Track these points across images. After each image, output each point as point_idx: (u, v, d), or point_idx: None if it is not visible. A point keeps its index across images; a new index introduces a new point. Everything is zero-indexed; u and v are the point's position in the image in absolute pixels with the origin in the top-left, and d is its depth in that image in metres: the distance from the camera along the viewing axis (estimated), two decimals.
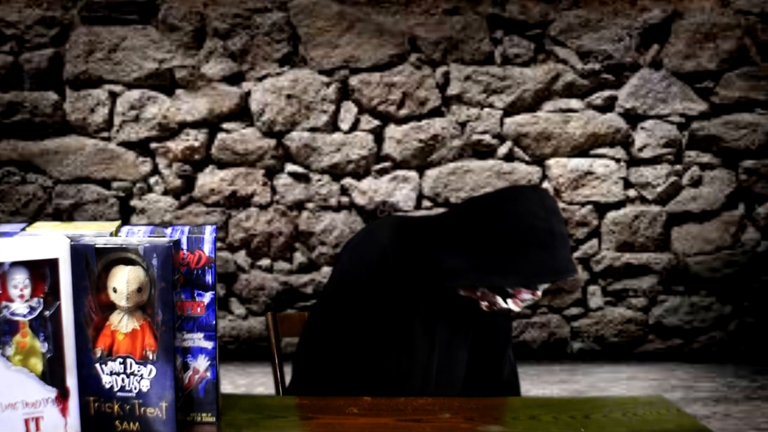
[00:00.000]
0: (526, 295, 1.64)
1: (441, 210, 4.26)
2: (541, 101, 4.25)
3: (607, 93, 4.26)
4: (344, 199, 4.27)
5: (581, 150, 4.28)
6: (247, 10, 4.15)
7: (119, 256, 1.39)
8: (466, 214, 1.69)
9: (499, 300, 1.65)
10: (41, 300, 1.36)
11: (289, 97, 4.20)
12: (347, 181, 4.26)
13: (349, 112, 4.20)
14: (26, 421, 1.36)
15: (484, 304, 1.69)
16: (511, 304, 1.65)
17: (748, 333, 4.38)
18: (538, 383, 3.92)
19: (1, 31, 4.14)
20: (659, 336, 4.40)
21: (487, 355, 1.89)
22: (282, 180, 4.26)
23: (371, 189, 4.26)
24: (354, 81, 4.21)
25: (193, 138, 4.22)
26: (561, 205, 4.30)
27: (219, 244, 4.28)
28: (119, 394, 1.42)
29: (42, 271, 1.36)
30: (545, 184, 4.29)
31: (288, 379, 1.93)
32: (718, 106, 4.28)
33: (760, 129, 4.28)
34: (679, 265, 4.35)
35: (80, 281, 1.39)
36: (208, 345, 1.51)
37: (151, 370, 1.41)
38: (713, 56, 4.23)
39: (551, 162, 4.28)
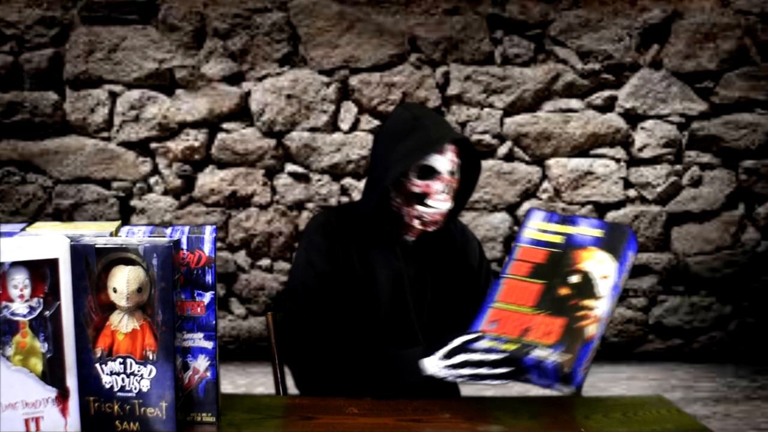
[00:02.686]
0: (435, 185, 1.80)
1: None
2: (541, 101, 4.26)
3: (607, 93, 4.26)
4: (344, 199, 4.27)
5: (581, 150, 4.28)
6: (247, 10, 4.15)
7: (119, 256, 1.39)
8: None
9: (419, 207, 1.80)
10: (41, 300, 1.36)
11: (289, 97, 4.20)
12: (347, 181, 4.26)
13: (349, 112, 4.21)
14: (26, 421, 1.36)
15: (416, 222, 1.82)
16: (432, 202, 1.80)
17: (748, 333, 4.39)
18: None
19: (1, 31, 4.14)
20: (659, 336, 4.41)
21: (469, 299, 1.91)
22: (282, 180, 4.26)
23: None
24: (354, 81, 4.21)
25: (193, 138, 4.22)
26: (561, 205, 4.30)
27: (219, 244, 4.28)
28: (119, 394, 1.42)
29: (42, 271, 1.36)
30: (545, 184, 4.29)
31: (288, 378, 1.93)
32: (718, 106, 4.28)
33: (760, 129, 4.28)
34: (679, 265, 4.35)
35: (80, 281, 1.39)
36: (208, 345, 1.51)
37: (151, 370, 1.41)
38: (713, 56, 4.23)
39: (551, 162, 4.28)
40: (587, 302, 1.59)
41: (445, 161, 1.81)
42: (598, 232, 1.66)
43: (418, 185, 1.80)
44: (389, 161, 1.80)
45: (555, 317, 1.58)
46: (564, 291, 1.61)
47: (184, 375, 1.50)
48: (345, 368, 1.74)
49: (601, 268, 1.62)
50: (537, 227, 1.70)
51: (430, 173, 1.80)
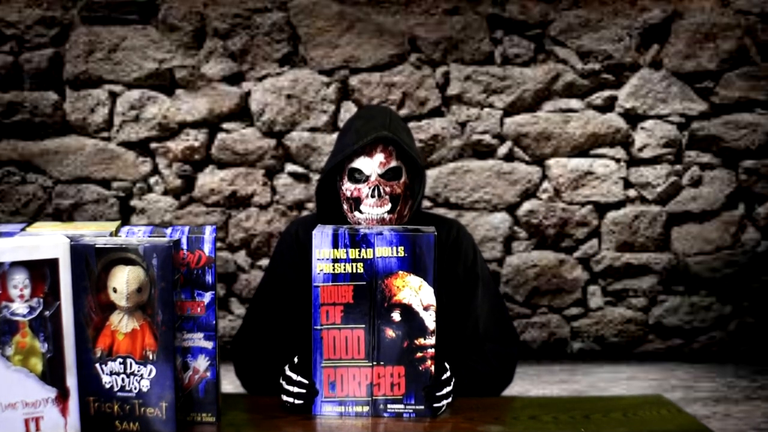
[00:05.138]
0: (364, 189, 1.77)
1: (440, 210, 4.26)
2: (541, 101, 4.25)
3: (607, 93, 4.26)
4: None
5: (581, 150, 4.28)
6: (247, 10, 4.15)
7: (119, 256, 1.39)
8: None
9: (356, 213, 1.80)
10: (41, 300, 1.36)
11: (289, 97, 4.20)
12: None
13: (349, 112, 4.20)
14: (26, 421, 1.36)
15: (361, 219, 1.80)
16: (364, 208, 1.78)
17: (748, 333, 4.38)
18: (538, 383, 3.92)
19: (1, 31, 4.14)
20: (659, 336, 4.41)
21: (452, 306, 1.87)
22: (282, 180, 4.26)
23: None
24: (354, 81, 4.21)
25: (193, 138, 4.22)
26: (561, 205, 4.30)
27: (219, 244, 4.28)
28: (119, 394, 1.42)
29: (42, 271, 1.36)
30: (545, 184, 4.29)
31: None
32: (718, 106, 4.28)
33: (760, 129, 4.28)
34: (679, 265, 4.35)
35: (80, 281, 1.39)
36: (208, 345, 1.51)
37: (151, 370, 1.41)
38: (713, 56, 4.23)
39: (551, 162, 4.28)
40: (419, 341, 1.55)
41: (371, 163, 1.77)
42: (399, 251, 1.55)
43: (350, 189, 1.80)
44: (330, 164, 1.83)
45: (393, 366, 1.56)
46: (390, 333, 1.55)
47: (184, 375, 1.50)
48: (265, 373, 1.81)
49: (421, 297, 1.55)
50: (328, 257, 1.55)
51: (359, 176, 1.78)
